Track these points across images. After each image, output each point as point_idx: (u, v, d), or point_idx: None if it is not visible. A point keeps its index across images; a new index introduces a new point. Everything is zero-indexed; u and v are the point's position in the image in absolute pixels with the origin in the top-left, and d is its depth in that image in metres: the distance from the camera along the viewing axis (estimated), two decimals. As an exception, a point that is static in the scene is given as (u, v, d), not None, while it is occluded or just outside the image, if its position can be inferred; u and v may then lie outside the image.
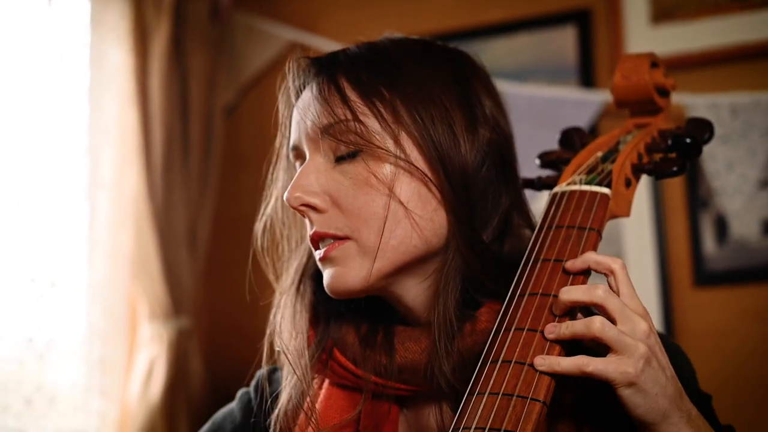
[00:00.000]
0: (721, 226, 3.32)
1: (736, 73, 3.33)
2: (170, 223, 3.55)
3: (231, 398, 1.62)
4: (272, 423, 1.43)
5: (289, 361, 1.40)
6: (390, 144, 1.32)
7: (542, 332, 1.21)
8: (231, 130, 4.00)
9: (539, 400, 1.15)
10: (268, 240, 1.51)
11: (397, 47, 1.43)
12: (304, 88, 1.41)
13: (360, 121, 1.32)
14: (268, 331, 1.46)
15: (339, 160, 1.34)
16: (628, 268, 1.27)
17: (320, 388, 1.44)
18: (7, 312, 2.97)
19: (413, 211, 1.33)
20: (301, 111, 1.37)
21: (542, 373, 1.17)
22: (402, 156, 1.32)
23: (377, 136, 1.32)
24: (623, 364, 1.15)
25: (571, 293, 1.21)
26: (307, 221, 1.36)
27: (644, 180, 3.30)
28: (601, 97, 3.30)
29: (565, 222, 1.33)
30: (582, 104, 3.34)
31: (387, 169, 1.32)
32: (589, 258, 1.26)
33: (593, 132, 3.14)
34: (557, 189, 1.40)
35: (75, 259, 3.28)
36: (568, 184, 1.39)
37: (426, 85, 1.37)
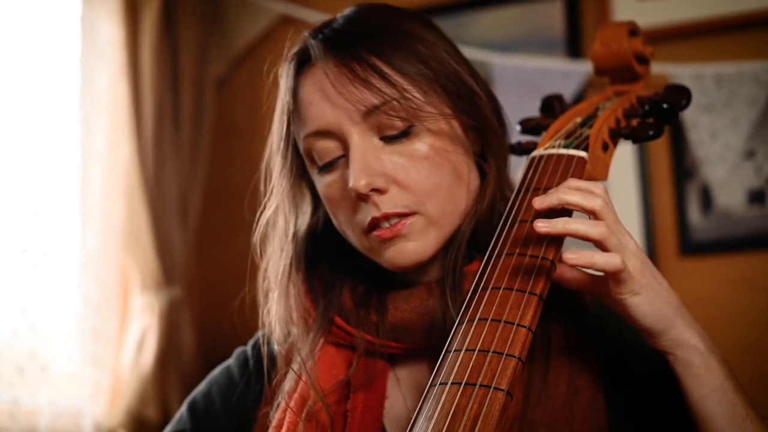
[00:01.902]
0: (706, 196, 3.35)
1: (721, 44, 3.36)
2: (162, 195, 3.57)
3: (222, 367, 1.66)
4: (272, 388, 1.48)
5: (292, 354, 1.46)
6: (435, 115, 1.36)
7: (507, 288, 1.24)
8: (222, 102, 4.02)
9: (515, 356, 1.18)
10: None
11: (399, 17, 1.44)
12: (305, 66, 1.41)
13: (406, 98, 1.34)
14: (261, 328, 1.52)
15: (388, 139, 1.35)
16: None
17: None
18: (1, 282, 2.99)
19: (462, 177, 1.39)
20: (333, 92, 1.36)
21: (518, 325, 1.20)
22: (448, 127, 1.37)
23: (424, 110, 1.35)
24: (634, 272, 1.20)
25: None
26: (364, 205, 1.35)
27: (630, 151, 3.34)
28: (588, 67, 3.32)
29: (543, 184, 1.36)
30: (569, 75, 3.36)
31: (438, 140, 1.36)
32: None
33: (579, 101, 3.17)
34: (535, 153, 1.43)
35: (67, 229, 3.30)
36: (546, 148, 1.42)
37: (442, 56, 1.41)
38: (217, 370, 1.62)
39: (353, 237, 1.40)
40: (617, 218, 1.27)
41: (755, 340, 3.22)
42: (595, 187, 1.28)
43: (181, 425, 1.57)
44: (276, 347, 1.53)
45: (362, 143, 1.34)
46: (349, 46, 1.37)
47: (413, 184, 1.34)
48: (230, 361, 1.62)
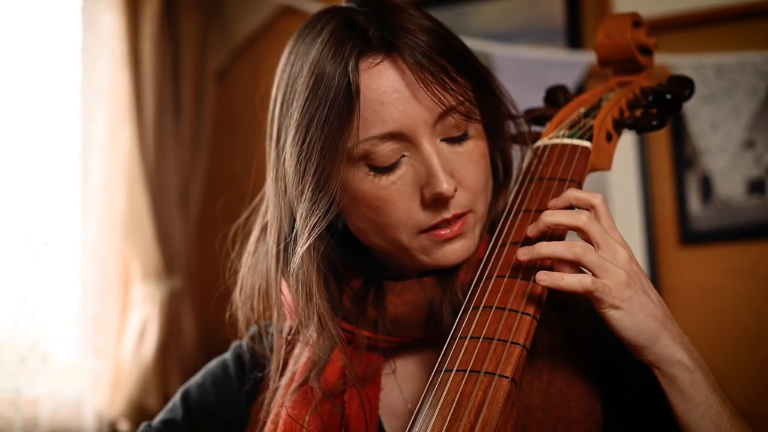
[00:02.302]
0: (707, 186, 3.36)
1: (721, 34, 3.37)
2: (162, 185, 3.58)
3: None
4: (267, 382, 1.48)
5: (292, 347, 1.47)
6: (497, 115, 1.40)
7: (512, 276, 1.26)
8: (223, 93, 4.02)
9: (519, 344, 1.19)
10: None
11: (422, 12, 1.40)
12: (364, 61, 1.32)
13: (470, 99, 1.34)
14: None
15: (450, 141, 1.34)
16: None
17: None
18: (2, 272, 3.00)
19: (490, 175, 1.41)
20: (409, 94, 1.31)
21: (522, 313, 1.22)
22: (481, 126, 1.38)
23: (482, 111, 1.36)
24: (611, 287, 1.20)
25: (555, 216, 1.25)
26: (428, 207, 1.33)
27: (631, 141, 3.35)
28: (588, 58, 3.33)
29: (547, 174, 1.37)
30: (569, 65, 3.37)
31: (482, 140, 1.38)
32: (571, 195, 1.30)
33: (580, 92, 3.17)
34: (540, 143, 1.44)
35: (68, 219, 3.30)
36: (551, 138, 1.44)
37: (471, 53, 1.42)
38: (213, 363, 1.62)
39: (401, 237, 1.36)
40: (611, 225, 1.28)
41: (755, 328, 3.25)
42: (593, 197, 1.29)
43: (173, 414, 1.56)
44: (273, 341, 1.51)
45: (433, 147, 1.32)
46: (414, 42, 1.32)
47: (472, 185, 1.35)
48: (227, 355, 1.62)
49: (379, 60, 1.32)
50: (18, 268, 3.04)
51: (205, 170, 3.82)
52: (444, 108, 1.30)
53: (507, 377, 1.16)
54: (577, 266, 1.23)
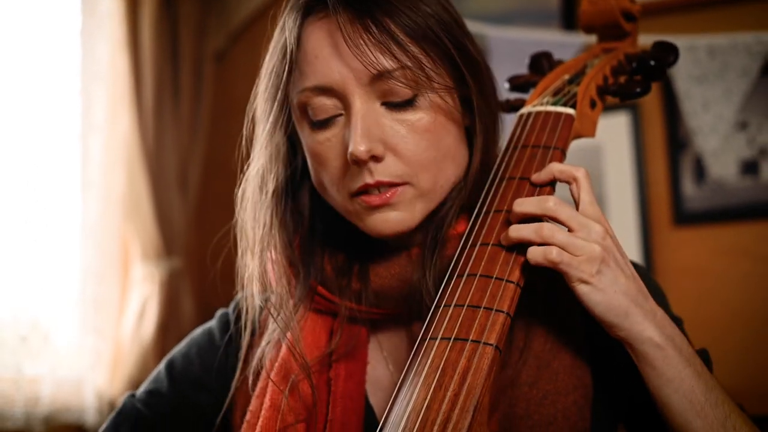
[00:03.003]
0: (699, 167, 3.37)
1: (714, 16, 3.38)
2: (161, 166, 3.61)
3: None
4: (253, 353, 1.47)
5: (272, 315, 1.43)
6: (443, 90, 1.35)
7: (496, 244, 1.27)
8: (221, 76, 4.04)
9: (503, 311, 1.21)
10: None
11: None
12: (313, 15, 1.36)
13: (419, 67, 1.32)
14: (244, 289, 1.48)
15: (391, 106, 1.33)
16: (609, 208, 1.32)
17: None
18: (3, 252, 3.03)
19: (454, 152, 1.38)
20: (345, 50, 1.31)
21: (507, 281, 1.23)
22: (451, 101, 1.36)
23: (434, 81, 1.33)
24: (580, 264, 1.21)
25: (524, 205, 1.26)
26: (356, 169, 1.33)
27: (625, 122, 3.37)
28: (582, 39, 3.33)
29: (531, 142, 1.38)
30: (564, 46, 3.36)
31: (439, 114, 1.35)
32: (554, 168, 1.31)
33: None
34: (524, 110, 1.45)
35: (69, 200, 3.33)
36: (535, 105, 1.45)
37: (451, 25, 1.38)
38: (198, 331, 1.62)
39: (336, 198, 1.38)
40: (591, 200, 1.28)
41: (747, 307, 3.27)
42: (576, 170, 1.30)
43: (158, 384, 1.55)
44: (256, 311, 1.50)
45: (365, 107, 1.31)
46: (366, 4, 1.31)
47: (410, 155, 1.32)
48: (212, 323, 1.62)
49: (322, 15, 1.34)
50: (19, 249, 3.07)
51: (204, 152, 3.84)
52: (375, 70, 1.29)
53: (491, 345, 1.18)
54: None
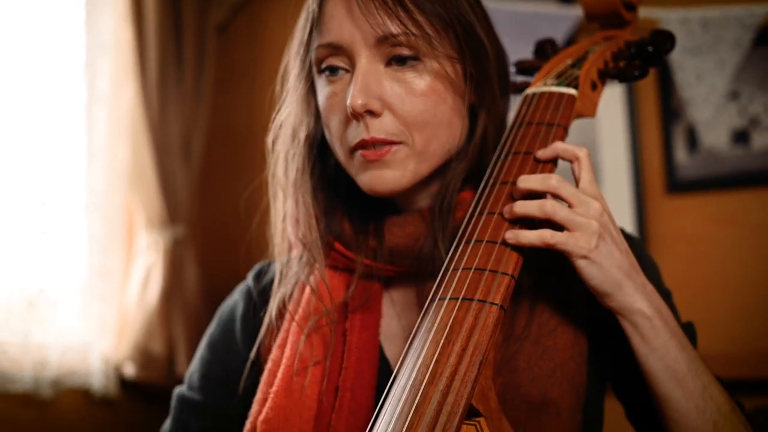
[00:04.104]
0: (692, 136, 3.42)
1: (707, -11, 3.41)
2: (165, 136, 3.65)
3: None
4: (275, 304, 1.55)
5: (305, 246, 1.52)
6: (445, 59, 1.43)
7: (501, 213, 1.34)
8: (223, 47, 4.08)
9: (508, 274, 1.28)
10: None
11: None
12: None
13: (421, 34, 1.40)
14: (277, 227, 1.57)
15: (393, 68, 1.42)
16: (603, 177, 1.39)
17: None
18: (10, 219, 3.08)
19: (453, 122, 1.46)
20: (357, 13, 1.40)
21: (512, 247, 1.30)
22: (452, 72, 1.44)
23: (434, 48, 1.41)
24: (578, 239, 1.28)
25: (528, 181, 1.33)
26: (356, 124, 1.42)
27: (619, 93, 3.42)
28: (578, 12, 3.36)
29: (535, 119, 1.45)
30: (560, 19, 3.41)
31: (438, 81, 1.43)
32: (558, 146, 1.38)
33: (569, 44, 3.22)
34: (529, 91, 1.52)
35: (74, 170, 3.38)
36: (539, 87, 1.52)
37: (462, 4, 1.47)
38: (224, 309, 1.68)
39: (340, 152, 1.47)
40: (591, 179, 1.35)
41: (738, 273, 3.32)
42: (579, 150, 1.37)
43: (206, 365, 1.63)
44: (276, 269, 1.59)
45: (368, 66, 1.40)
46: None
47: (406, 115, 1.40)
48: (234, 297, 1.68)
49: None
50: (26, 218, 3.12)
51: (207, 122, 3.88)
52: (381, 32, 1.39)
53: (497, 304, 1.24)
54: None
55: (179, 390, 1.65)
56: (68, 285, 3.33)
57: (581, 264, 1.29)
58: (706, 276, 3.33)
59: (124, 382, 3.56)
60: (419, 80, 1.42)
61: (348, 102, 1.38)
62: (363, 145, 1.41)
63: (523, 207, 1.31)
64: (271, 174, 1.57)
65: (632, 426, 1.52)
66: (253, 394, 1.52)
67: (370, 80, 1.40)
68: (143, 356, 3.51)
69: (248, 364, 1.57)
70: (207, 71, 3.89)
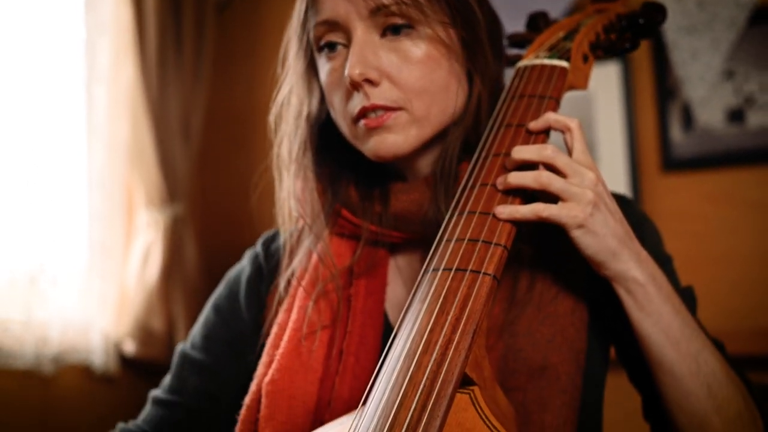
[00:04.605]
0: (687, 115, 3.42)
1: (702, -32, 3.41)
2: (165, 115, 3.67)
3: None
4: (282, 276, 1.60)
5: (312, 215, 1.56)
6: (438, 25, 1.46)
7: (494, 185, 1.36)
8: (223, 26, 4.09)
9: (501, 245, 1.29)
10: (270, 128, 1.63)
11: None
12: None
13: (414, 4, 1.43)
14: (277, 203, 1.61)
15: (388, 38, 1.45)
16: (599, 155, 1.40)
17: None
18: (11, 197, 3.11)
19: (450, 86, 1.48)
20: None
21: (504, 220, 1.31)
22: (446, 37, 1.47)
23: (427, 15, 1.44)
24: (573, 209, 1.29)
25: (523, 152, 1.35)
26: (356, 95, 1.45)
27: (615, 71, 3.44)
28: (574, -10, 3.39)
29: (527, 92, 1.47)
30: (556, -3, 3.43)
31: (433, 48, 1.46)
32: (549, 117, 1.40)
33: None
34: (521, 64, 1.54)
35: (75, 148, 3.41)
36: (531, 59, 1.54)
37: None
38: (232, 273, 1.73)
39: (344, 124, 1.50)
40: (583, 149, 1.37)
41: (733, 250, 3.34)
42: (570, 121, 1.39)
43: (210, 326, 1.67)
44: (283, 237, 1.64)
45: (364, 38, 1.43)
46: None
47: (403, 83, 1.43)
48: (243, 262, 1.73)
49: None
50: (27, 195, 3.13)
51: (206, 101, 3.89)
52: (373, 4, 1.42)
53: (490, 274, 1.26)
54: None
55: (182, 347, 1.68)
56: (69, 263, 3.35)
57: (577, 234, 1.31)
58: (700, 253, 3.34)
59: (124, 359, 3.58)
60: (415, 48, 1.44)
61: (346, 73, 1.41)
62: (364, 112, 1.44)
63: (517, 178, 1.33)
64: (275, 154, 1.60)
65: (634, 387, 1.54)
66: (252, 360, 1.55)
67: (367, 51, 1.43)
68: (143, 333, 3.54)
69: (250, 328, 1.62)
70: (206, 50, 3.91)
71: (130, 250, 3.65)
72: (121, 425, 1.63)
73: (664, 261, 1.50)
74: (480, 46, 1.51)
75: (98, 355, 3.41)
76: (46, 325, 3.19)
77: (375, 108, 1.43)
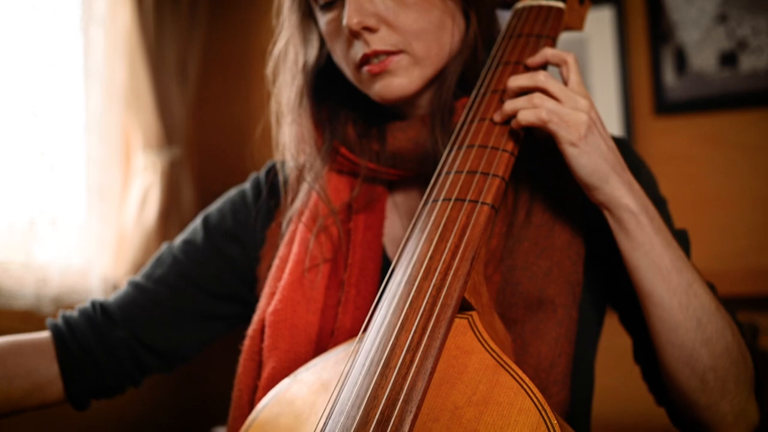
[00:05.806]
0: (681, 58, 3.45)
1: None
2: (161, 58, 3.66)
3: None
4: (282, 212, 1.65)
5: (303, 173, 1.61)
6: None
7: (492, 119, 1.40)
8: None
9: (499, 176, 1.34)
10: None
11: None
12: None
13: None
14: (278, 144, 1.66)
15: None
16: (593, 98, 1.43)
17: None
18: (10, 141, 3.11)
19: (447, 24, 1.52)
20: None
21: (502, 150, 1.36)
22: None
23: None
24: (569, 126, 1.33)
25: (517, 80, 1.39)
26: (357, 42, 1.49)
27: (608, 15, 3.46)
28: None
29: (525, 31, 1.51)
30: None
31: None
32: (546, 52, 1.44)
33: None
34: (518, 5, 1.58)
35: (71, 91, 3.39)
36: (529, 0, 1.58)
37: None
38: (232, 191, 1.77)
39: (348, 71, 1.54)
40: (578, 80, 1.41)
41: (724, 192, 3.38)
42: (567, 54, 1.42)
43: (193, 235, 1.72)
44: (287, 171, 1.68)
45: None
46: None
47: (401, 26, 1.47)
48: (245, 185, 1.77)
49: None
50: (25, 138, 3.14)
51: (202, 45, 3.89)
52: None
53: (488, 204, 1.30)
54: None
55: (168, 244, 1.74)
56: (68, 206, 3.36)
57: (571, 152, 1.33)
58: (693, 195, 3.38)
59: (122, 300, 3.58)
60: None
61: (344, 23, 1.45)
62: (366, 59, 1.48)
63: (512, 104, 1.37)
64: (275, 101, 1.65)
65: (625, 329, 1.57)
66: (249, 293, 1.63)
67: (363, 0, 1.46)
68: (142, 275, 3.53)
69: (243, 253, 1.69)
70: (202, -6, 3.90)
71: (127, 193, 3.65)
72: (85, 306, 1.70)
73: (659, 203, 1.53)
74: None
75: (97, 296, 3.39)
76: (45, 266, 3.20)
77: (376, 54, 1.47)
